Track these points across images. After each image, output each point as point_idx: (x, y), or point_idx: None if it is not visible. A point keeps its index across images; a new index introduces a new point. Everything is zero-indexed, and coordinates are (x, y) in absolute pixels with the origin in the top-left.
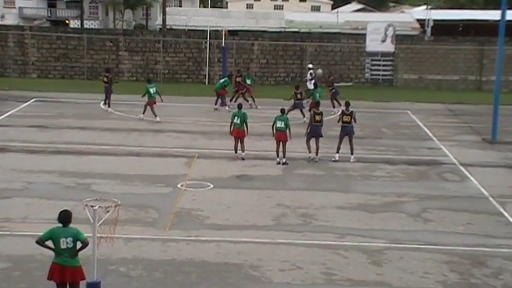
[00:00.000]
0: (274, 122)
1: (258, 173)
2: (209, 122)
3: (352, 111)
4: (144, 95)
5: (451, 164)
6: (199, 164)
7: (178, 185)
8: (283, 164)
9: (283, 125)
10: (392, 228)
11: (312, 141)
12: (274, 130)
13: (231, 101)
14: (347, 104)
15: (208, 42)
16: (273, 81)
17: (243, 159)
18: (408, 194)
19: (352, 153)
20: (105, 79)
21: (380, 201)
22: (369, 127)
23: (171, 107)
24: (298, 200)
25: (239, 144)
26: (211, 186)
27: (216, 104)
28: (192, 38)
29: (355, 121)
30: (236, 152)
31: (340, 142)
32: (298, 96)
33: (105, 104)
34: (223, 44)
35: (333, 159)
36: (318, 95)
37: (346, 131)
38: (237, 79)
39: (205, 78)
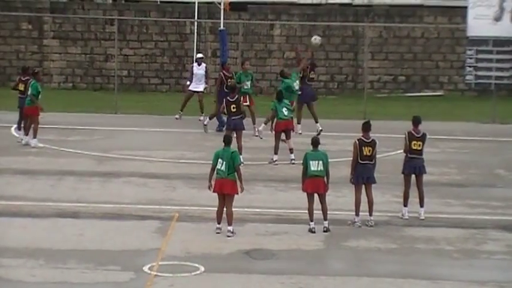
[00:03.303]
0: (306, 164)
1: (281, 247)
2: (198, 160)
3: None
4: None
5: None
6: (180, 232)
7: (145, 268)
8: (325, 230)
9: (321, 168)
10: None
11: (362, 191)
12: (307, 176)
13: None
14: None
15: (196, 24)
16: None
17: (230, 235)
18: None
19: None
20: (21, 86)
21: None
22: (474, 167)
23: (133, 134)
24: None
25: (225, 207)
26: (202, 269)
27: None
28: (170, 16)
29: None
30: (219, 223)
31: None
32: None
33: (19, 129)
34: (221, 27)
35: (401, 216)
36: (284, 109)
37: (415, 163)
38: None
39: None
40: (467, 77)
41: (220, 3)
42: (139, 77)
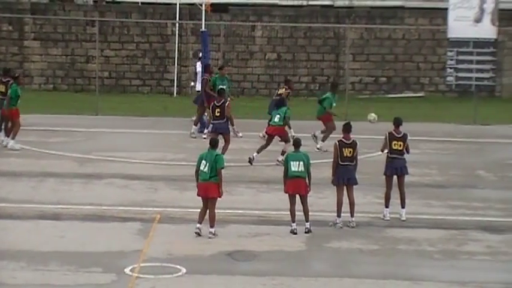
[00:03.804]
0: (287, 165)
1: (263, 248)
2: (180, 161)
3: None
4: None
5: None
6: (162, 233)
7: (127, 270)
8: (306, 232)
9: (302, 168)
10: None
11: (343, 192)
12: (288, 177)
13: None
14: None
15: (177, 25)
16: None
17: (212, 237)
18: None
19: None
20: (1, 87)
21: None
22: (455, 168)
23: (115, 135)
24: None
25: (208, 209)
26: (183, 271)
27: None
28: (151, 17)
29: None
30: (200, 223)
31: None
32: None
33: (0, 130)
34: (203, 28)
35: (383, 217)
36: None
37: (397, 164)
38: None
39: (173, 85)
40: (448, 78)
41: (201, 5)
42: (121, 79)
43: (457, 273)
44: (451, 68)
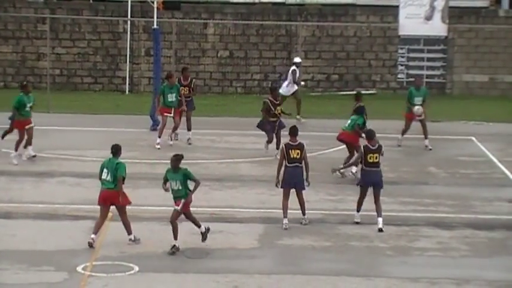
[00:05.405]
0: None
1: (216, 245)
2: (132, 159)
3: (380, 147)
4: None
5: None
6: (114, 231)
7: (79, 268)
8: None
9: None
10: None
11: (291, 195)
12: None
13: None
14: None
15: (129, 23)
16: (240, 88)
17: (130, 243)
18: (476, 279)
19: (379, 215)
20: None
21: None
22: (406, 165)
23: (66, 133)
24: None
25: (120, 217)
26: (136, 269)
27: None
28: (102, 14)
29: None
30: (95, 233)
31: (364, 196)
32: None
33: None
34: (155, 25)
35: (355, 221)
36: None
37: (372, 178)
38: None
39: (125, 83)
40: (399, 76)
41: (153, 2)
42: (72, 76)
43: (409, 269)
44: (402, 65)
